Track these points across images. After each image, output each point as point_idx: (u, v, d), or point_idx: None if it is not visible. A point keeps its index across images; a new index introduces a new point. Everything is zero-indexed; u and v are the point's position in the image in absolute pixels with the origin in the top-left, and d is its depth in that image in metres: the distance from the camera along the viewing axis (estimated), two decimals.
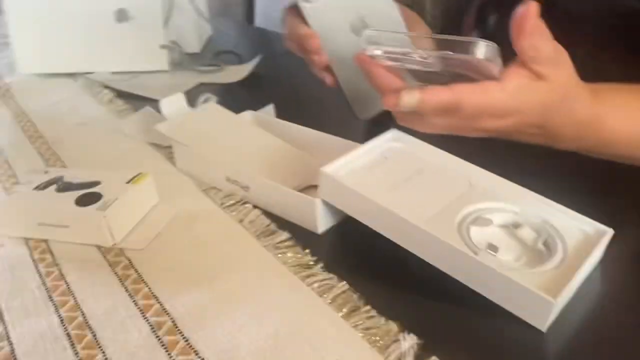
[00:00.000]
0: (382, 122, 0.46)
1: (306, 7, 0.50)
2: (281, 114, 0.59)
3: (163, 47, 0.79)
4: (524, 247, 0.36)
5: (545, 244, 0.36)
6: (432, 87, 0.36)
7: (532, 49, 0.36)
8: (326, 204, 0.41)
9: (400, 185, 0.40)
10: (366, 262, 0.39)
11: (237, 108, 0.56)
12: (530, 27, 0.36)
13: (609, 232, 0.36)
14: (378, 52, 0.38)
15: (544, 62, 0.37)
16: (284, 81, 0.79)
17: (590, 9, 0.57)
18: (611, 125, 0.43)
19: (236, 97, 0.72)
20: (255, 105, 0.58)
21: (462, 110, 0.36)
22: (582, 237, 0.37)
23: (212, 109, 0.56)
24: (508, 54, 0.38)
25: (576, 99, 0.40)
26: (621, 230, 0.37)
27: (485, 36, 0.37)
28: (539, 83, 0.37)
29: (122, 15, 0.78)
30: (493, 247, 0.35)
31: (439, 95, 0.36)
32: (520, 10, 0.36)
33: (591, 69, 0.42)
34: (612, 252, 0.37)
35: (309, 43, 0.51)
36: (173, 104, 0.55)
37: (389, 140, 0.45)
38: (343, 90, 0.53)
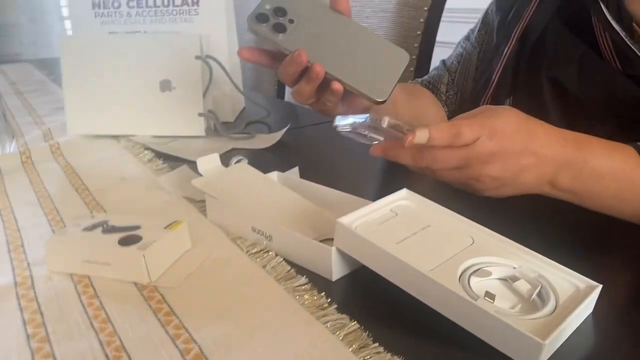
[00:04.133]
0: (395, 184, 0.52)
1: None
2: (304, 176, 0.64)
3: (201, 115, 0.87)
4: (520, 298, 0.40)
5: (539, 295, 0.40)
6: (436, 124, 0.47)
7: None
8: (340, 253, 0.45)
9: (408, 238, 0.44)
10: (375, 306, 0.42)
11: (265, 170, 0.62)
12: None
13: (598, 287, 0.40)
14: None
15: (489, 110, 0.49)
16: (309, 149, 0.85)
17: (600, 97, 0.63)
18: (595, 155, 0.50)
19: (265, 161, 0.78)
20: (282, 168, 0.64)
21: (463, 134, 0.46)
22: (573, 290, 0.40)
23: (242, 168, 0.62)
24: None
25: (545, 123, 0.50)
26: (611, 286, 0.40)
27: None
28: (504, 110, 0.49)
29: (165, 86, 0.86)
30: (490, 295, 0.38)
31: (442, 126, 0.47)
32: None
33: None
34: (603, 306, 0.40)
35: (300, 59, 0.55)
36: (208, 162, 0.61)
37: (400, 198, 0.49)
38: (346, 83, 0.56)
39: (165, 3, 0.93)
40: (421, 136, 0.45)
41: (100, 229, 0.49)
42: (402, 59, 0.59)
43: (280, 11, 0.57)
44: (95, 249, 0.47)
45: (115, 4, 0.93)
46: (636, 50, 0.57)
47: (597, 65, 0.63)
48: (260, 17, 0.57)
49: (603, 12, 0.59)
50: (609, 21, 0.59)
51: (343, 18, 0.59)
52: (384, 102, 0.56)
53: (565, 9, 0.67)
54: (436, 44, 1.19)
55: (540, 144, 0.48)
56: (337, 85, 0.56)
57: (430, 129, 0.46)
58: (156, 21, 0.93)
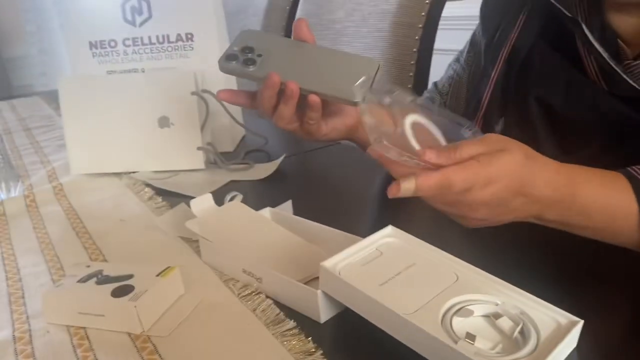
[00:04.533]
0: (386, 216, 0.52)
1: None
2: (299, 206, 0.66)
3: (199, 149, 0.88)
4: (502, 336, 0.40)
5: (521, 332, 0.40)
6: (424, 171, 0.44)
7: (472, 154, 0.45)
8: (327, 295, 0.46)
9: (392, 279, 0.45)
10: (363, 349, 0.43)
11: (260, 203, 0.64)
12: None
13: (580, 323, 0.40)
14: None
15: (494, 146, 0.46)
16: (305, 177, 0.87)
17: (587, 116, 0.63)
18: (586, 192, 0.49)
19: (260, 193, 0.80)
20: (277, 200, 0.65)
21: (454, 185, 0.44)
22: (555, 327, 0.40)
23: (235, 207, 0.63)
24: None
25: (540, 161, 0.48)
26: (596, 320, 0.41)
27: None
28: (503, 153, 0.46)
29: (164, 122, 0.88)
30: (470, 336, 0.39)
31: (431, 177, 0.44)
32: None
33: None
34: (588, 341, 0.41)
35: (273, 81, 0.57)
36: (202, 203, 0.62)
37: (385, 235, 0.50)
38: (322, 93, 0.58)
39: (160, 40, 0.95)
40: (407, 188, 0.44)
41: (94, 279, 0.51)
42: (372, 64, 0.61)
43: (248, 49, 0.61)
44: (89, 301, 0.48)
45: (112, 44, 0.96)
46: (620, 72, 0.57)
47: (583, 86, 0.63)
48: (230, 57, 0.60)
49: (585, 33, 0.60)
50: (592, 43, 0.59)
51: (308, 44, 0.62)
52: (361, 101, 0.58)
53: (550, 30, 0.67)
54: (434, 52, 1.19)
55: (532, 186, 0.47)
56: (313, 98, 0.58)
57: (417, 180, 0.44)
58: (153, 58, 0.95)
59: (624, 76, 0.58)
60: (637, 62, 0.59)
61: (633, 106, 0.59)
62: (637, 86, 0.58)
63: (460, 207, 0.47)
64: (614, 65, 0.58)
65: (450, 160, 0.44)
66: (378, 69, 0.61)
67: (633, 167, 0.51)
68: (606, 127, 0.62)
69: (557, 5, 0.62)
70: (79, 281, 0.51)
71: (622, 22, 0.61)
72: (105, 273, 0.52)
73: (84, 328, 0.48)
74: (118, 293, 0.48)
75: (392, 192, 0.44)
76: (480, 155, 0.45)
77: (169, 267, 0.52)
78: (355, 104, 0.58)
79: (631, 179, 0.50)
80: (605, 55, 0.59)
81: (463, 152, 0.46)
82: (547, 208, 0.48)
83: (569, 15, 0.62)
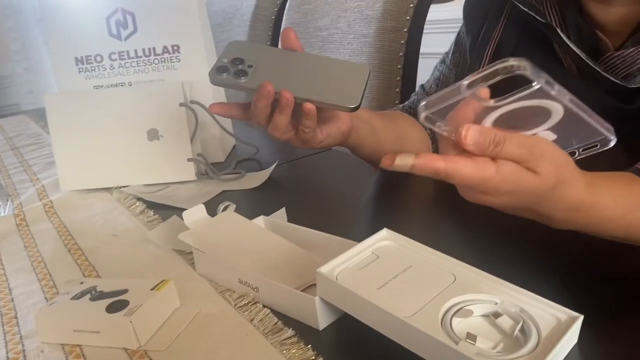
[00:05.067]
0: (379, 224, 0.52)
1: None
2: (293, 213, 0.65)
3: (190, 160, 0.88)
4: (503, 335, 0.40)
5: (522, 330, 0.40)
6: (428, 153, 0.40)
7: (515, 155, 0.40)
8: (325, 301, 0.45)
9: (389, 282, 0.44)
10: (363, 354, 0.43)
11: (253, 211, 0.63)
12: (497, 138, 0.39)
13: (580, 318, 0.40)
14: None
15: (533, 160, 0.40)
16: (298, 184, 0.86)
17: None
18: (602, 212, 0.46)
19: (254, 202, 0.79)
20: (271, 208, 0.65)
21: (452, 180, 0.40)
22: (555, 323, 0.40)
23: (228, 217, 0.62)
24: None
25: (568, 186, 0.42)
26: (596, 314, 0.40)
27: None
28: (531, 175, 0.40)
29: (153, 135, 0.87)
30: (471, 337, 0.38)
31: (432, 163, 0.39)
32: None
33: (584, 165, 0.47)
34: (590, 335, 0.40)
35: (267, 90, 0.56)
36: (194, 214, 0.62)
37: (381, 239, 0.50)
38: (317, 100, 0.58)
39: (147, 53, 0.94)
40: (402, 164, 0.40)
41: (88, 296, 0.50)
42: (363, 70, 0.62)
43: (238, 60, 0.60)
44: (84, 318, 0.47)
45: (98, 58, 0.95)
46: (599, 70, 0.57)
47: (568, 80, 0.63)
48: (220, 69, 0.60)
49: (561, 37, 0.60)
50: (569, 45, 0.59)
51: (298, 53, 0.62)
52: (356, 108, 0.58)
53: (532, 27, 0.67)
54: (420, 56, 1.20)
55: (544, 208, 0.44)
56: (309, 106, 0.58)
57: (417, 160, 0.39)
58: (139, 71, 0.95)
59: (604, 74, 0.58)
60: (618, 53, 0.59)
61: (618, 97, 0.59)
62: (617, 81, 0.58)
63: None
64: (592, 65, 0.58)
65: (486, 153, 0.39)
66: (369, 74, 0.61)
67: None
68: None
69: (530, 13, 0.63)
70: (72, 298, 0.50)
71: (602, 12, 0.61)
72: (99, 289, 0.51)
73: (80, 346, 0.47)
74: (113, 308, 0.47)
75: (385, 163, 0.40)
76: (514, 163, 0.40)
77: (163, 280, 0.51)
78: (351, 109, 0.58)
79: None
80: (583, 56, 0.59)
81: (504, 151, 0.39)
82: (557, 223, 0.46)
83: (543, 21, 0.62)
